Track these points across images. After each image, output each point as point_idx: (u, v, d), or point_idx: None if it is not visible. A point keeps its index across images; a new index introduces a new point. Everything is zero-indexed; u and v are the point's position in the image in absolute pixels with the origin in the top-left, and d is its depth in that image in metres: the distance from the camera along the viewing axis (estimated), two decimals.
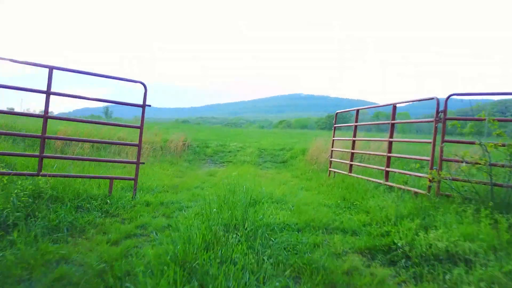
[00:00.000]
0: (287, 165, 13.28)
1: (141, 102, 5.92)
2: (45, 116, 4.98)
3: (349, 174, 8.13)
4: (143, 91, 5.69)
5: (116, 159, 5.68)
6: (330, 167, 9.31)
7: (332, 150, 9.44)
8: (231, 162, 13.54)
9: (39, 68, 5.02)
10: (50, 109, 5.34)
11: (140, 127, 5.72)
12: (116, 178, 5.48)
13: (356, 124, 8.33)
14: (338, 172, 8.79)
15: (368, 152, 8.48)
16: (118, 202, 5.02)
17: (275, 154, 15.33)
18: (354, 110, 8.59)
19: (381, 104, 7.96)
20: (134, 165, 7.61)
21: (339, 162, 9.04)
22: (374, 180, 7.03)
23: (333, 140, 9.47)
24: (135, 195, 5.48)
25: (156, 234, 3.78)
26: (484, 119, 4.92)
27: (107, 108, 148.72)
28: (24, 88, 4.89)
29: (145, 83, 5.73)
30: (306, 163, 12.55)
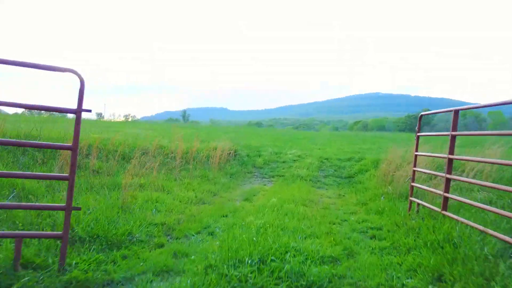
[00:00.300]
0: (353, 183, 10.30)
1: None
2: None
3: (444, 212, 5.07)
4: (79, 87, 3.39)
5: (24, 204, 3.52)
6: (411, 196, 6.26)
7: (414, 171, 6.38)
8: (282, 176, 10.94)
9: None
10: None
11: (73, 148, 3.40)
12: (26, 236, 3.28)
13: (454, 133, 5.22)
14: (424, 205, 5.75)
15: (477, 182, 5.25)
16: None
17: (340, 166, 12.38)
18: (450, 111, 5.47)
19: (489, 103, 4.80)
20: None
21: (426, 190, 5.96)
22: (493, 234, 3.96)
23: (416, 155, 6.40)
24: (63, 264, 3.21)
25: None
26: None
27: (184, 111, 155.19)
28: None
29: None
30: (379, 181, 9.48)
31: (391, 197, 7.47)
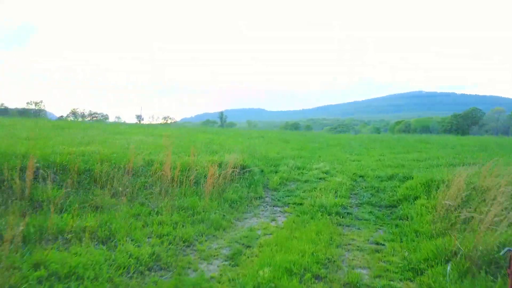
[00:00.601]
0: (398, 218, 7.29)
1: None
2: None
3: None
4: None
5: None
6: None
7: None
8: (300, 205, 8.12)
9: None
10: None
11: None
12: None
13: None
14: None
15: None
16: None
17: (378, 189, 9.35)
18: None
19: None
20: None
21: None
22: None
23: None
24: None
25: None
26: None
27: (221, 113, 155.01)
28: None
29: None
30: (436, 219, 6.42)
31: (464, 266, 4.45)
